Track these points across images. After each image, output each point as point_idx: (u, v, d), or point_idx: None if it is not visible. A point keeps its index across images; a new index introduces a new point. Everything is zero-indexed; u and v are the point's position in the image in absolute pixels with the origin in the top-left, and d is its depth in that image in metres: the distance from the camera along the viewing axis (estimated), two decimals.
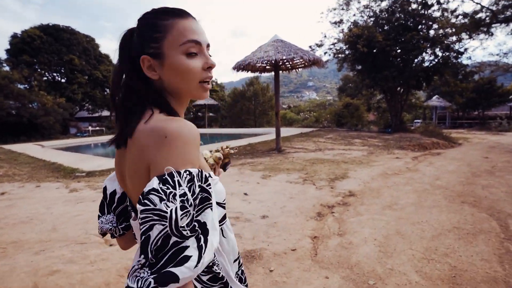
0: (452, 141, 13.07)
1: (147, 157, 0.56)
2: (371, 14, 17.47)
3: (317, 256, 2.66)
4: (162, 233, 0.48)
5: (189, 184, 0.52)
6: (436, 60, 15.88)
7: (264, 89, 25.33)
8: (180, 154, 0.53)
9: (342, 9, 17.66)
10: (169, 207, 0.49)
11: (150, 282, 0.47)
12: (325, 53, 18.56)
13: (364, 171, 6.29)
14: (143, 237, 0.49)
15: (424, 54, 15.77)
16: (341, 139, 13.21)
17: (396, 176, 5.78)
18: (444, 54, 15.52)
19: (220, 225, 0.72)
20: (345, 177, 5.75)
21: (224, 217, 0.75)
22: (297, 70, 11.72)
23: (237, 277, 0.79)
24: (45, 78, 24.45)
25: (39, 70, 23.56)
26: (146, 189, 0.51)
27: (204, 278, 0.67)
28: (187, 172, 0.53)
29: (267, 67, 11.68)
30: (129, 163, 0.62)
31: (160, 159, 0.53)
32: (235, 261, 0.79)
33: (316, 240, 3.01)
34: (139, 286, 0.47)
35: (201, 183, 0.54)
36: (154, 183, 0.51)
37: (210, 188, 0.56)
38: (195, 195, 0.52)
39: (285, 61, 11.30)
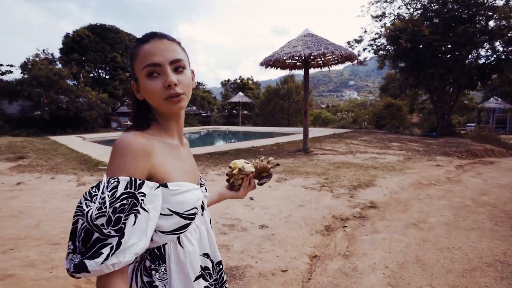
0: (510, 148, 11.44)
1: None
2: (419, 6, 15.97)
3: (309, 282, 2.19)
4: (84, 226, 0.57)
5: (112, 190, 0.59)
6: (495, 56, 14.04)
7: (299, 87, 24.51)
8: (115, 164, 0.62)
9: (386, 1, 16.38)
10: (88, 207, 0.58)
11: (71, 265, 0.56)
12: (364, 49, 17.44)
13: (394, 179, 5.55)
14: (72, 226, 0.59)
15: (480, 49, 14.05)
16: (377, 142, 12.22)
17: (432, 187, 4.99)
18: (506, 49, 13.64)
19: (175, 234, 0.71)
20: (370, 185, 5.10)
21: (184, 227, 0.72)
22: (329, 66, 11.03)
23: None
24: (91, 74, 26.10)
25: (86, 67, 25.18)
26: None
27: (144, 279, 0.71)
28: (116, 179, 0.60)
29: (298, 63, 11.16)
30: None
31: (107, 169, 0.64)
32: (197, 278, 0.75)
33: (315, 260, 2.53)
34: (66, 267, 0.58)
35: (132, 190, 0.60)
36: (89, 187, 0.62)
37: (142, 196, 0.61)
38: (115, 199, 0.58)
39: (316, 57, 10.67)
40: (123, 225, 0.58)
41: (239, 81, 37.30)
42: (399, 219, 3.49)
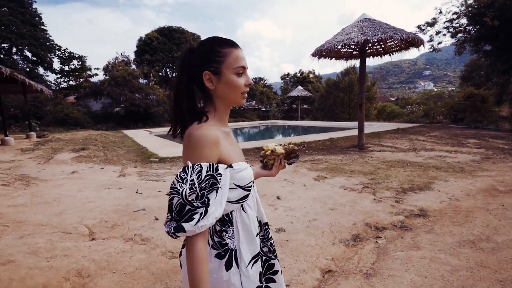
0: None
1: (184, 152, 0.84)
2: None
3: None
4: (179, 202, 0.76)
5: (198, 173, 0.77)
6: None
7: None
8: (196, 153, 0.80)
9: None
10: (182, 187, 0.75)
11: (171, 228, 0.76)
12: (437, 33, 15.31)
13: (459, 183, 4.63)
14: (169, 202, 0.78)
15: None
16: (449, 138, 10.61)
17: (510, 195, 4.00)
18: None
19: (239, 202, 0.90)
20: (425, 189, 4.32)
21: (245, 197, 0.91)
22: (391, 54, 9.88)
23: (256, 258, 0.94)
24: (160, 73, 28.32)
25: (155, 67, 27.40)
26: (176, 174, 0.79)
27: (215, 239, 0.89)
28: (199, 165, 0.78)
29: (354, 52, 10.25)
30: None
31: (186, 156, 0.82)
32: (257, 235, 0.95)
33: (327, 276, 2.15)
34: (167, 230, 0.77)
35: (211, 172, 0.79)
36: (179, 171, 0.79)
37: (219, 176, 0.79)
38: (201, 180, 0.77)
39: (374, 44, 9.64)
40: (206, 199, 0.76)
41: (299, 74, 36.53)
42: (452, 233, 2.82)
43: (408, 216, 3.30)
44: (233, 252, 0.88)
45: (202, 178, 0.77)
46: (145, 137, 14.42)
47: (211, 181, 0.77)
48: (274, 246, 1.08)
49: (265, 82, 40.78)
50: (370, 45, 9.76)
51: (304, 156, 7.63)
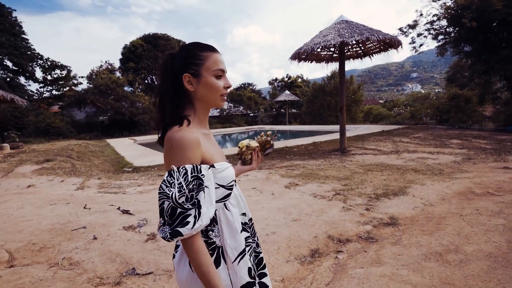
0: None
1: (165, 156, 0.84)
2: None
3: None
4: (170, 205, 0.77)
5: (184, 176, 0.79)
6: None
7: (347, 82, 22.81)
8: (179, 157, 0.80)
9: None
10: (170, 191, 0.77)
11: (167, 234, 0.77)
12: (418, 35, 15.41)
13: (435, 186, 4.44)
14: (160, 207, 0.79)
15: None
16: (432, 139, 10.54)
17: (486, 199, 3.82)
18: None
19: (222, 201, 0.92)
20: (399, 194, 4.12)
21: (227, 196, 0.93)
22: (371, 56, 9.79)
23: (242, 255, 0.94)
24: (146, 81, 27.93)
25: (140, 74, 27.01)
26: (163, 179, 0.81)
27: (203, 239, 0.87)
28: (183, 168, 0.80)
29: (334, 54, 10.14)
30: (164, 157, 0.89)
31: (169, 160, 0.82)
32: (242, 231, 0.97)
33: None
34: (162, 235, 0.78)
35: (196, 174, 0.81)
36: (165, 176, 0.80)
37: (203, 176, 0.81)
38: (188, 182, 0.79)
39: (353, 46, 9.55)
40: (196, 200, 0.80)
41: (287, 79, 36.54)
42: (419, 244, 2.59)
43: (377, 225, 3.07)
44: (220, 250, 0.91)
45: (189, 180, 0.79)
46: (127, 146, 14.03)
47: (197, 182, 0.80)
48: (258, 239, 1.11)
49: (254, 87, 40.64)
50: (349, 47, 9.68)
51: (282, 161, 7.40)
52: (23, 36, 24.71)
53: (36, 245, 2.45)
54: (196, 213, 0.78)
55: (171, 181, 0.78)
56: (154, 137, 17.69)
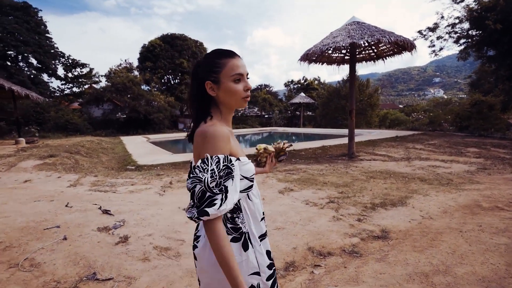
0: None
1: (198, 148, 0.92)
2: None
3: None
4: (201, 189, 0.84)
5: (216, 164, 0.86)
6: None
7: (363, 85, 22.25)
8: (212, 147, 0.88)
9: None
10: (203, 176, 0.84)
11: (195, 213, 0.84)
12: (438, 38, 14.79)
13: (439, 198, 4.15)
14: (191, 190, 0.87)
15: None
16: (448, 147, 10.05)
17: (493, 214, 3.51)
18: None
19: (246, 192, 1.00)
20: (398, 204, 3.86)
21: (250, 187, 1.01)
22: (384, 58, 9.44)
23: (263, 237, 1.06)
24: (162, 80, 28.35)
25: (157, 73, 27.45)
26: (195, 165, 0.89)
27: (228, 225, 0.97)
28: (216, 157, 0.87)
29: (346, 57, 9.85)
30: (193, 151, 0.96)
31: (203, 150, 0.89)
32: (262, 219, 1.07)
33: None
34: (189, 215, 0.85)
35: (226, 163, 0.88)
36: (198, 163, 0.88)
37: (233, 166, 0.89)
38: (219, 170, 0.86)
39: (365, 48, 9.24)
40: (223, 186, 0.86)
41: (303, 81, 36.17)
42: (406, 262, 2.37)
43: (365, 238, 2.86)
44: (247, 235, 0.98)
45: (220, 167, 0.86)
46: (138, 144, 14.22)
47: (227, 171, 0.87)
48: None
49: (271, 89, 40.47)
50: (361, 49, 9.37)
51: (285, 165, 7.22)
52: (47, 35, 25.67)
53: (2, 244, 2.42)
54: (223, 197, 0.84)
55: (204, 167, 0.85)
56: (167, 136, 17.79)
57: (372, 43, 8.71)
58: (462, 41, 14.48)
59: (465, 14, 13.22)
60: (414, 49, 8.09)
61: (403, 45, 8.00)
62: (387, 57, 9.37)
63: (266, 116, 33.87)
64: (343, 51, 9.55)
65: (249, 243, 0.97)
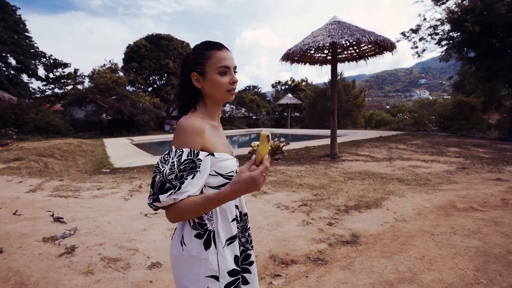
0: None
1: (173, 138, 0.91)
2: None
3: None
4: (160, 179, 0.84)
5: (178, 157, 0.85)
6: None
7: (349, 86, 22.36)
8: (180, 140, 0.87)
9: None
10: (163, 167, 0.85)
11: (151, 200, 0.85)
12: (421, 39, 14.95)
13: (415, 199, 4.06)
14: (152, 180, 0.86)
15: None
16: (430, 147, 10.10)
17: (467, 215, 3.43)
18: None
19: (220, 188, 0.93)
20: (373, 206, 3.75)
21: (225, 184, 0.94)
22: (366, 58, 9.41)
23: (231, 240, 0.98)
24: (148, 81, 27.87)
25: (142, 74, 26.95)
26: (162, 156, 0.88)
27: (195, 220, 0.93)
28: (181, 150, 0.86)
29: (328, 57, 9.79)
30: None
31: (173, 142, 0.89)
32: (233, 220, 1.00)
33: None
34: (149, 202, 0.86)
35: (192, 157, 0.86)
36: (164, 153, 0.88)
37: (199, 161, 0.87)
38: (180, 163, 0.85)
39: (349, 48, 9.19)
40: (185, 179, 0.85)
41: (291, 82, 36.21)
42: (372, 270, 2.23)
43: (333, 244, 2.72)
44: (212, 233, 0.94)
45: (182, 161, 0.85)
46: (120, 146, 13.84)
47: (190, 165, 0.86)
48: (251, 237, 1.11)
49: (259, 90, 40.32)
50: (344, 49, 9.32)
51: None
52: (26, 34, 24.85)
53: None
54: (177, 188, 0.83)
55: (166, 159, 0.85)
56: (151, 137, 17.36)
57: (354, 43, 8.66)
58: (443, 42, 14.69)
59: (446, 16, 13.41)
60: (394, 49, 8.08)
61: (383, 45, 7.98)
62: (368, 57, 9.36)
63: (254, 117, 33.74)
64: (326, 51, 9.49)
65: (212, 242, 0.92)
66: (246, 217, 1.09)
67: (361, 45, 9.01)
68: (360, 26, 8.06)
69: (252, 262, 1.07)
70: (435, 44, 15.15)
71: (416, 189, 4.58)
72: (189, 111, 0.98)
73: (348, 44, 8.80)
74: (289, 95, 29.54)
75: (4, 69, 24.02)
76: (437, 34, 14.37)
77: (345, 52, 9.47)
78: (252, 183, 0.81)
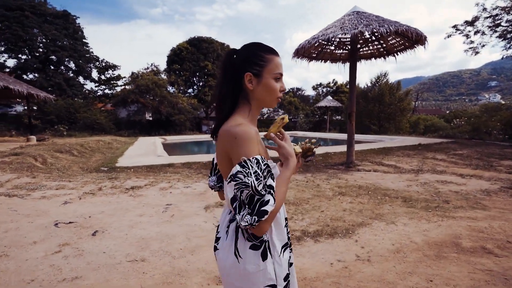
0: None
1: (225, 148, 0.88)
2: None
3: None
4: (248, 194, 0.79)
5: (257, 165, 0.81)
6: None
7: (394, 88, 20.26)
8: (247, 149, 0.83)
9: None
10: (249, 179, 0.79)
11: (255, 218, 0.78)
12: (476, 32, 12.83)
13: (407, 228, 3.07)
14: (239, 198, 0.81)
15: None
16: (477, 158, 8.44)
17: (469, 258, 2.38)
18: None
19: None
20: (340, 235, 2.88)
21: None
22: (395, 54, 8.16)
23: (285, 247, 0.98)
24: (187, 83, 28.72)
25: (182, 76, 27.85)
26: (234, 171, 0.82)
27: (250, 232, 0.89)
28: (254, 158, 0.82)
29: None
30: (217, 149, 0.94)
31: (237, 153, 0.84)
32: (285, 226, 1.01)
33: None
34: (246, 223, 0.79)
35: (266, 162, 0.84)
36: (238, 167, 0.81)
37: (270, 165, 0.86)
38: (262, 170, 0.81)
39: (370, 42, 8.04)
40: (268, 185, 0.82)
41: (332, 84, 34.52)
42: None
43: None
44: (267, 243, 0.91)
45: (262, 167, 0.82)
46: (147, 145, 14.15)
47: (267, 169, 0.83)
48: (290, 240, 1.06)
49: (303, 92, 39.13)
50: (365, 44, 8.19)
51: None
52: (83, 40, 27.31)
53: None
54: (272, 193, 0.81)
55: (247, 171, 0.80)
56: (185, 137, 17.55)
57: (375, 35, 7.54)
58: (510, 36, 12.40)
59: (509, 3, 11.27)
60: (426, 41, 6.80)
61: (411, 37, 6.74)
62: (398, 53, 8.10)
63: (293, 120, 32.80)
64: (347, 47, 8.44)
65: (268, 252, 0.91)
66: (286, 221, 1.08)
67: (388, 39, 7.82)
68: (384, 16, 6.94)
69: (291, 263, 1.04)
70: (497, 37, 12.89)
71: (418, 214, 3.53)
72: (232, 114, 0.94)
73: (369, 37, 7.69)
74: (329, 97, 28.02)
75: (64, 72, 26.65)
76: (498, 25, 12.17)
77: (370, 47, 8.32)
78: (284, 158, 0.94)
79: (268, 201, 0.79)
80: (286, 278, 0.95)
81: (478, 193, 4.79)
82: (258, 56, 0.94)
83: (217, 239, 0.99)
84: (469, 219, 3.40)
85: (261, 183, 0.80)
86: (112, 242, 2.58)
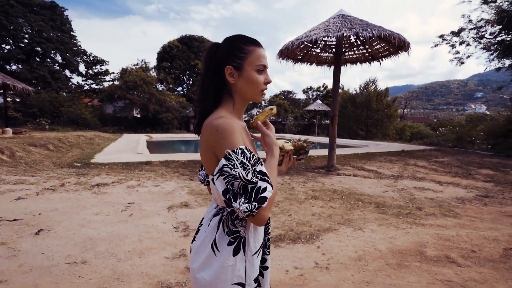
0: None
1: (208, 142, 0.84)
2: None
3: None
4: (240, 185, 0.77)
5: (242, 154, 0.79)
6: None
7: (381, 94, 20.45)
8: (230, 141, 0.80)
9: None
10: (236, 171, 0.76)
11: (254, 204, 0.75)
12: (461, 43, 13.04)
13: (374, 235, 2.97)
14: (231, 190, 0.79)
15: None
16: (457, 166, 8.51)
17: (429, 269, 2.30)
18: None
19: None
20: (303, 240, 2.76)
21: None
22: (380, 60, 8.15)
23: (261, 248, 0.95)
24: (176, 81, 28.38)
25: (171, 74, 27.50)
26: (220, 165, 0.79)
27: (230, 227, 0.87)
28: (239, 148, 0.80)
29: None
30: (200, 144, 0.89)
31: (221, 146, 0.80)
32: (266, 225, 1.00)
33: None
34: (247, 210, 0.76)
35: (251, 151, 0.82)
36: (223, 161, 0.78)
37: (256, 154, 0.84)
38: (248, 159, 0.79)
39: (359, 46, 8.01)
40: (258, 171, 0.80)
41: (323, 88, 34.70)
42: None
43: None
44: (243, 240, 0.89)
45: (248, 156, 0.80)
46: (129, 142, 13.86)
47: (254, 157, 0.81)
48: (269, 242, 1.06)
49: (294, 95, 39.20)
50: (350, 48, 8.16)
51: None
52: (71, 33, 26.68)
53: None
54: (266, 179, 0.79)
55: (232, 163, 0.78)
56: (172, 136, 17.18)
57: (364, 40, 7.51)
58: (494, 47, 12.62)
59: (494, 16, 11.47)
60: (409, 47, 6.80)
61: (394, 43, 6.73)
62: (382, 59, 8.10)
63: (282, 122, 32.78)
64: (328, 50, 8.40)
65: (241, 249, 0.87)
66: (268, 221, 1.04)
67: (373, 44, 7.82)
68: (367, 20, 6.92)
69: (267, 267, 1.01)
70: (481, 49, 13.13)
71: (387, 221, 3.45)
72: (214, 108, 0.91)
73: (354, 41, 7.67)
74: (318, 101, 28.13)
75: (50, 64, 25.94)
76: (482, 37, 12.39)
77: (355, 52, 8.30)
78: (269, 147, 0.92)
79: (266, 188, 0.77)
80: (256, 280, 0.91)
81: (453, 201, 4.76)
82: (238, 48, 0.90)
83: (198, 231, 0.96)
84: (438, 227, 3.34)
85: (249, 172, 0.78)
86: (55, 242, 2.39)
